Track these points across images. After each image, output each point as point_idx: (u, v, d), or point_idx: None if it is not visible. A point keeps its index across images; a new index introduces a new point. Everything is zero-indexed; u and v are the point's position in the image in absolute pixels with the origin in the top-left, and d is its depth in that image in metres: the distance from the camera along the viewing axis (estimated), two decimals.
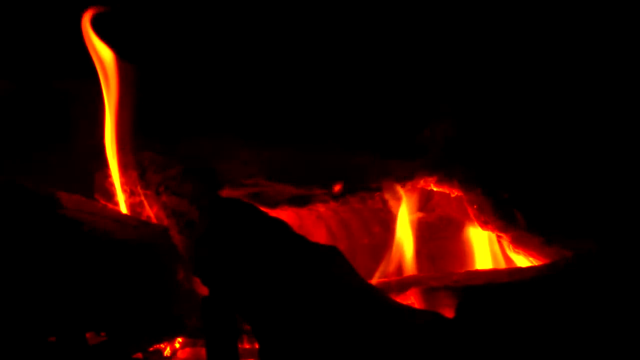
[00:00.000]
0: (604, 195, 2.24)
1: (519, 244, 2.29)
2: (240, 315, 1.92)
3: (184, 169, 2.40)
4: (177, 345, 2.22)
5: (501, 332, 1.78)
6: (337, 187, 2.40)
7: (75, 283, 2.00)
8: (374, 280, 2.28)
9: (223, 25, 2.53)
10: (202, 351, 2.11)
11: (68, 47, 2.49)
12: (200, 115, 2.46)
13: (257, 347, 1.98)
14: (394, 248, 2.41)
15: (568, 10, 2.42)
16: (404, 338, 1.75)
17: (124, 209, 2.40)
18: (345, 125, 2.45)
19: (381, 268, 2.41)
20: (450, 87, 2.45)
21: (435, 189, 2.44)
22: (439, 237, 2.58)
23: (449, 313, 1.87)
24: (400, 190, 2.40)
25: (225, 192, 2.42)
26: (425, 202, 2.61)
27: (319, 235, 2.55)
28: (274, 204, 2.48)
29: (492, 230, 2.33)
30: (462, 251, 2.48)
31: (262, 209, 2.10)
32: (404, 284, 2.13)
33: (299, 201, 2.50)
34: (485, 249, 2.42)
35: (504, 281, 2.01)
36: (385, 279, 2.29)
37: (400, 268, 2.40)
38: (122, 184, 2.40)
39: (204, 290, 2.03)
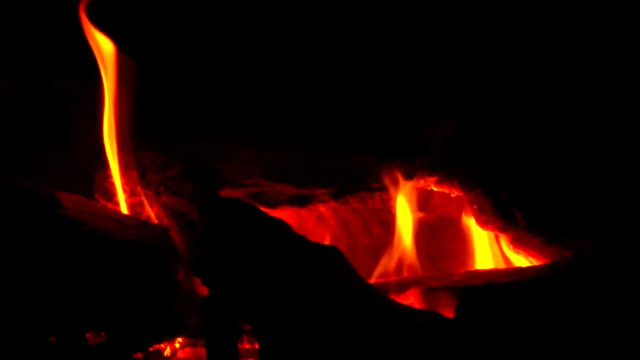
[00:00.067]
0: (604, 195, 2.24)
1: (519, 244, 2.29)
2: (240, 315, 1.92)
3: (184, 169, 2.40)
4: (177, 345, 2.22)
5: (501, 332, 1.78)
6: None
7: (75, 283, 2.00)
8: (374, 280, 2.28)
9: (223, 25, 2.53)
10: (202, 351, 2.11)
11: (68, 47, 2.49)
12: (200, 115, 2.46)
13: (257, 347, 1.98)
14: (395, 242, 2.41)
15: (568, 10, 2.42)
16: (404, 338, 1.75)
17: (124, 209, 2.40)
18: (345, 125, 2.45)
19: (383, 263, 2.41)
20: (450, 87, 2.45)
21: (435, 189, 2.44)
22: (439, 237, 2.58)
23: (449, 313, 1.87)
24: (400, 178, 2.40)
25: (225, 192, 2.42)
26: (425, 202, 2.61)
27: (319, 235, 2.55)
28: (274, 204, 2.48)
29: (492, 230, 2.33)
30: (462, 251, 2.48)
31: (262, 209, 2.10)
32: (404, 284, 2.13)
33: (299, 201, 2.50)
34: (485, 249, 2.42)
35: (504, 281, 2.01)
36: (385, 279, 2.29)
37: (401, 264, 2.39)
38: (122, 184, 2.40)
39: (204, 290, 2.03)
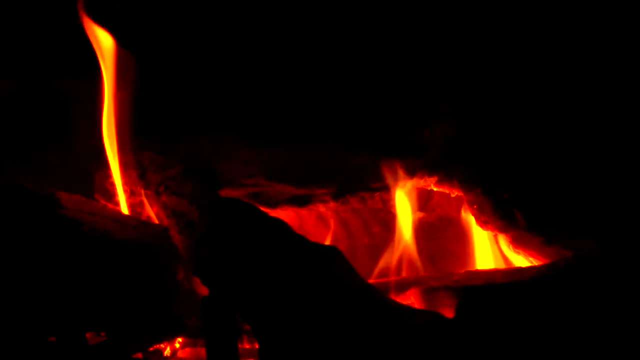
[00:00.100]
0: (604, 195, 2.24)
1: (519, 244, 2.29)
2: (240, 315, 1.91)
3: (184, 169, 2.40)
4: (177, 345, 2.22)
5: (501, 332, 1.78)
6: None
7: (75, 283, 2.00)
8: (374, 280, 2.28)
9: (223, 24, 2.53)
10: (202, 351, 2.11)
11: (68, 47, 2.49)
12: (200, 115, 2.46)
13: (257, 347, 1.98)
14: (396, 241, 2.41)
15: (568, 10, 2.42)
16: (404, 338, 1.75)
17: (124, 209, 2.40)
18: (345, 125, 2.45)
19: (383, 262, 2.41)
20: (450, 87, 2.45)
21: (435, 189, 2.44)
22: (439, 237, 2.58)
23: (449, 313, 1.87)
24: (400, 178, 2.40)
25: (225, 192, 2.42)
26: (425, 202, 2.61)
27: (319, 235, 2.55)
28: (274, 204, 2.48)
29: (492, 230, 2.33)
30: (462, 251, 2.48)
31: (262, 209, 2.10)
32: (404, 284, 2.13)
33: (299, 201, 2.50)
34: (485, 249, 2.42)
35: (504, 281, 2.01)
36: (385, 279, 2.29)
37: (402, 263, 2.39)
38: (122, 184, 2.40)
39: (204, 290, 2.03)
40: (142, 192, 2.41)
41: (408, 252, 2.40)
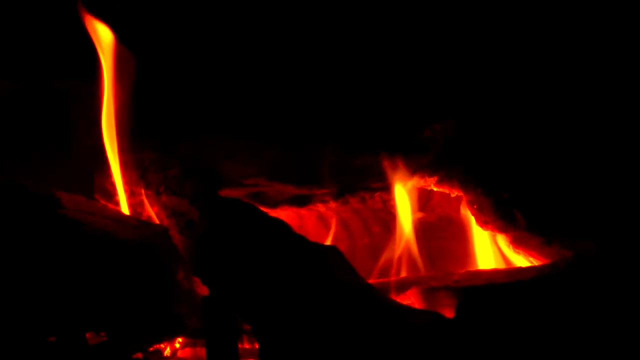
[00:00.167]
0: (604, 196, 2.24)
1: (519, 244, 2.29)
2: (240, 315, 1.92)
3: (184, 169, 2.40)
4: (177, 345, 2.22)
5: (501, 332, 1.78)
6: None
7: (75, 283, 2.00)
8: (374, 280, 2.28)
9: (224, 25, 2.53)
10: (202, 351, 2.11)
11: (68, 47, 2.49)
12: (200, 115, 2.46)
13: (257, 347, 1.98)
14: (397, 241, 2.41)
15: (568, 10, 2.42)
16: (404, 338, 1.75)
17: (125, 209, 2.40)
18: (345, 126, 2.45)
19: (384, 262, 2.41)
20: (451, 87, 2.45)
21: (435, 189, 2.44)
22: (439, 237, 2.57)
23: (449, 313, 1.87)
24: (400, 178, 2.40)
25: (225, 192, 2.42)
26: (425, 202, 2.61)
27: (319, 235, 2.55)
28: (274, 204, 2.48)
29: (492, 230, 2.33)
30: (462, 251, 2.48)
31: (262, 209, 2.10)
32: (404, 284, 2.13)
33: (299, 201, 2.50)
34: (485, 249, 2.42)
35: (504, 281, 2.01)
36: (386, 279, 2.29)
37: (403, 263, 2.39)
38: (122, 184, 2.40)
39: (204, 290, 2.03)
40: (142, 192, 2.41)
41: (409, 252, 2.40)
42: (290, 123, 2.46)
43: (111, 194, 2.43)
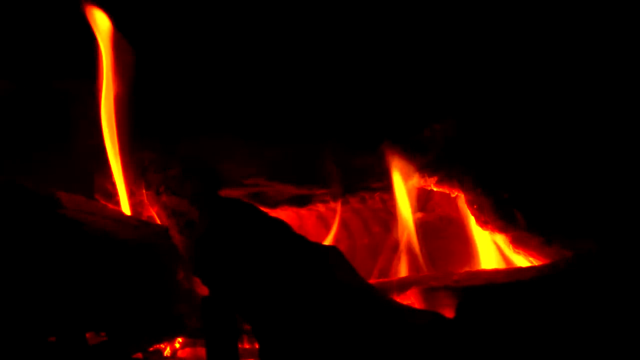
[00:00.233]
0: (604, 195, 2.24)
1: (519, 244, 2.29)
2: (240, 315, 1.91)
3: (184, 169, 2.40)
4: (177, 345, 2.22)
5: (501, 332, 1.78)
6: None
7: (75, 283, 2.00)
8: (375, 280, 2.28)
9: (224, 25, 2.53)
10: (202, 351, 2.11)
11: (68, 47, 2.49)
12: (200, 115, 2.46)
13: (257, 347, 1.98)
14: (400, 241, 2.41)
15: (568, 11, 2.42)
16: (404, 338, 1.75)
17: (125, 208, 2.40)
18: (345, 126, 2.45)
19: (384, 262, 2.41)
20: (451, 87, 2.45)
21: (435, 189, 2.44)
22: (439, 237, 2.58)
23: (449, 313, 1.87)
24: (400, 178, 2.40)
25: (225, 192, 2.42)
26: (425, 202, 2.61)
27: (319, 235, 2.55)
28: (274, 204, 2.48)
29: (492, 230, 2.33)
30: (462, 251, 2.48)
31: (262, 209, 2.10)
32: (404, 284, 2.13)
33: (299, 201, 2.50)
34: (485, 248, 2.42)
35: (504, 281, 2.01)
36: (386, 279, 2.29)
37: (405, 263, 2.39)
38: (123, 184, 2.40)
39: (204, 290, 2.03)
40: (143, 192, 2.41)
41: (410, 251, 2.40)
42: (290, 123, 2.46)
43: (111, 194, 2.43)
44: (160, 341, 2.15)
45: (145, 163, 2.42)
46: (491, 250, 2.40)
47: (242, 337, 2.12)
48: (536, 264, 2.23)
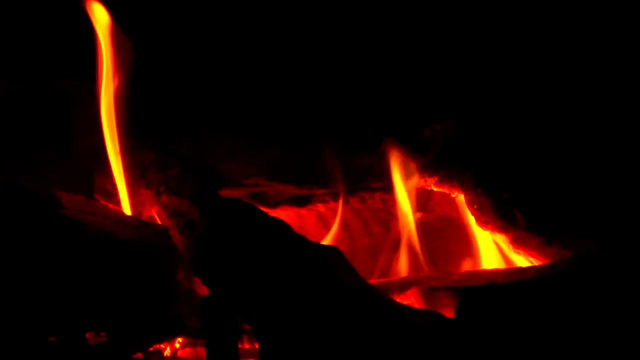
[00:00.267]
0: (604, 195, 2.24)
1: (519, 244, 2.29)
2: (240, 315, 1.91)
3: (184, 169, 2.40)
4: (177, 345, 2.22)
5: (501, 332, 1.78)
6: None
7: (75, 283, 2.00)
8: (375, 280, 2.28)
9: (224, 25, 2.53)
10: (202, 351, 2.11)
11: (68, 47, 2.49)
12: (200, 115, 2.46)
13: (257, 347, 1.98)
14: (401, 240, 2.41)
15: (568, 11, 2.42)
16: (404, 338, 1.75)
17: (126, 208, 2.40)
18: (345, 126, 2.45)
19: (385, 262, 2.41)
20: (451, 87, 2.45)
21: (435, 189, 2.44)
22: (439, 237, 2.58)
23: (449, 313, 1.86)
24: (400, 178, 2.40)
25: (225, 192, 2.42)
26: (425, 202, 2.61)
27: (319, 235, 2.55)
28: (274, 204, 2.48)
29: (492, 230, 2.33)
30: (462, 251, 2.48)
31: (262, 209, 2.10)
32: (405, 284, 2.13)
33: (299, 201, 2.50)
34: (485, 248, 2.42)
35: (504, 281, 2.01)
36: (387, 279, 2.29)
37: (406, 263, 2.40)
38: (123, 184, 2.40)
39: (204, 290, 2.03)
40: (143, 192, 2.41)
41: (410, 251, 2.40)
42: (290, 123, 2.46)
43: (111, 194, 2.42)
44: (160, 341, 2.15)
45: (145, 163, 2.42)
46: (491, 250, 2.40)
47: (242, 337, 2.12)
48: (536, 264, 2.23)
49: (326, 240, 2.50)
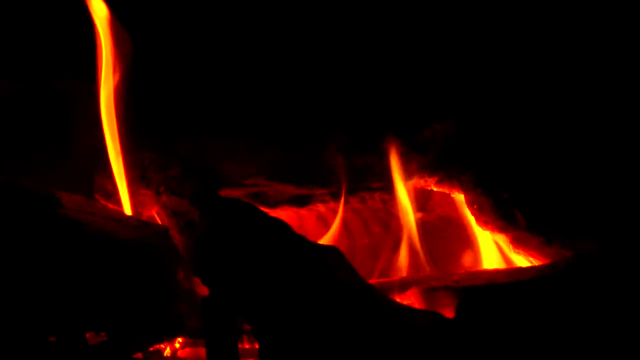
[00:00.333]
0: (604, 195, 2.24)
1: (519, 244, 2.29)
2: (240, 315, 1.91)
3: (184, 169, 2.40)
4: (177, 345, 2.22)
5: (501, 332, 1.78)
6: None
7: (75, 283, 2.00)
8: (376, 280, 2.28)
9: (224, 25, 2.53)
10: (202, 351, 2.11)
11: (68, 47, 2.49)
12: (200, 115, 2.46)
13: (257, 347, 1.98)
14: (403, 240, 2.41)
15: (568, 11, 2.42)
16: (404, 338, 1.75)
17: (127, 208, 2.40)
18: (346, 126, 2.45)
19: (385, 262, 2.41)
20: (451, 87, 2.45)
21: (435, 189, 2.45)
22: (439, 237, 2.58)
23: (449, 313, 1.87)
24: (400, 178, 2.40)
25: (225, 192, 2.42)
26: (425, 202, 2.61)
27: (319, 235, 2.55)
28: (274, 204, 2.48)
29: (492, 230, 2.33)
30: (462, 251, 2.48)
31: (262, 209, 2.10)
32: (405, 284, 2.13)
33: (299, 201, 2.50)
34: (485, 248, 2.42)
35: (504, 281, 2.01)
36: (387, 279, 2.29)
37: (407, 262, 2.40)
38: (125, 184, 2.40)
39: (204, 290, 2.03)
40: (143, 192, 2.41)
41: (411, 251, 2.40)
42: (290, 123, 2.46)
43: (111, 194, 2.42)
44: (160, 341, 2.15)
45: (145, 163, 2.42)
46: (491, 250, 2.40)
47: (242, 337, 2.12)
48: (536, 264, 2.23)
49: (326, 240, 2.50)
